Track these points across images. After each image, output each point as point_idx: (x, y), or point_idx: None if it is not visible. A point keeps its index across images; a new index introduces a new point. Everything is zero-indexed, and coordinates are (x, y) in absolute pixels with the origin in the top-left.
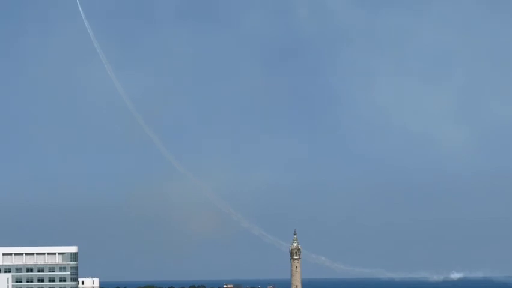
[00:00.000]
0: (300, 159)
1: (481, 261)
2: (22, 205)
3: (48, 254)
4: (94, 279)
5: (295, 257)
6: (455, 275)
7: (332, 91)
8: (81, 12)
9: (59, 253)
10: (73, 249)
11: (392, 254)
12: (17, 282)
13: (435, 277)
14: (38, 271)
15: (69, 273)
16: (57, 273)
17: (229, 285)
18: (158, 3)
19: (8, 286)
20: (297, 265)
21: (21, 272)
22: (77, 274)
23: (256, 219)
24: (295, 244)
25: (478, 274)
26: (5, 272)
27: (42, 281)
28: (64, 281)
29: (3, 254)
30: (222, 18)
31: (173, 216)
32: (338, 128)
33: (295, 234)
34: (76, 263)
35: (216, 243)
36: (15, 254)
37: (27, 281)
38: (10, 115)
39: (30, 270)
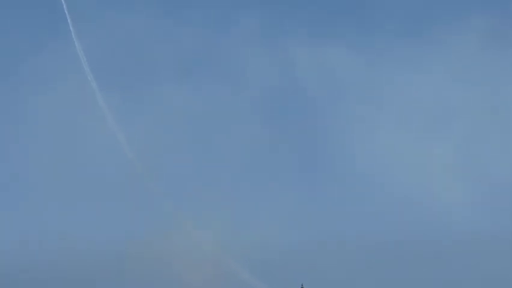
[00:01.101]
0: (301, 212)
1: None
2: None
3: None
4: None
5: None
6: None
7: (331, 144)
8: (84, 64)
9: None
10: None
11: None
12: None
13: None
14: None
15: None
16: None
17: None
18: (160, 57)
19: None
20: None
21: None
22: None
23: (259, 273)
24: None
25: None
26: None
27: None
28: None
29: None
30: (222, 71)
31: (173, 268)
32: (337, 182)
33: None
34: None
35: None
36: None
37: None
38: (9, 164)
39: None
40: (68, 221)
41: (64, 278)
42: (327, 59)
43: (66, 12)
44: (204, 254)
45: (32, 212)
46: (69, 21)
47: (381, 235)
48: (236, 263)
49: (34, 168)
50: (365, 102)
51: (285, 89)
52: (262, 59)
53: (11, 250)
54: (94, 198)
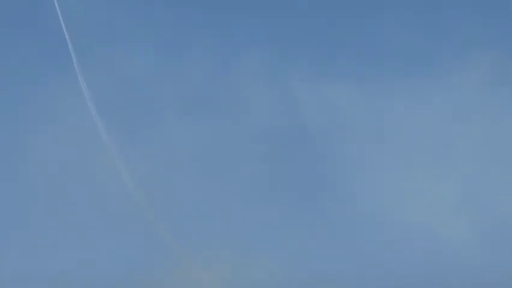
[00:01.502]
0: (302, 250)
1: None
2: None
3: None
4: None
5: None
6: None
7: (333, 181)
8: (88, 101)
9: None
10: None
11: None
12: None
13: None
14: None
15: None
16: None
17: None
18: (164, 94)
19: None
20: None
21: None
22: None
23: None
24: None
25: None
26: None
27: None
28: None
29: None
30: (225, 108)
31: None
32: (340, 220)
33: None
34: None
35: None
36: None
37: None
38: (8, 203)
39: None
40: (67, 259)
41: None
42: (330, 96)
43: (70, 48)
44: None
45: (30, 250)
46: (73, 58)
47: (385, 274)
48: None
49: (35, 205)
50: (368, 139)
51: (288, 126)
52: (266, 96)
53: None
54: (95, 235)
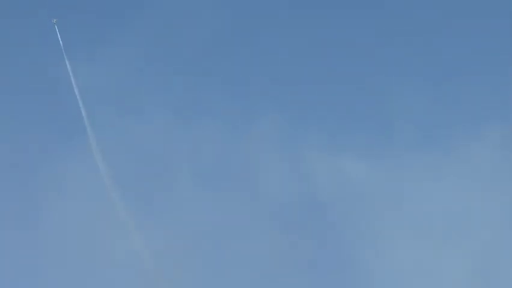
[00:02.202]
0: None
1: None
2: None
3: None
4: None
5: None
6: None
7: (348, 257)
8: (102, 172)
9: None
10: None
11: None
12: None
13: None
14: None
15: None
16: None
17: None
18: (178, 164)
19: None
20: None
21: None
22: None
23: None
24: None
25: None
26: None
27: None
28: None
29: None
30: (239, 179)
31: None
32: None
33: None
34: None
35: None
36: None
37: None
38: (20, 274)
39: None
40: None
41: None
42: (343, 167)
43: (84, 119)
44: None
45: None
46: (87, 128)
47: None
48: None
49: (50, 274)
50: (381, 212)
51: (302, 199)
52: (278, 166)
53: None
54: None
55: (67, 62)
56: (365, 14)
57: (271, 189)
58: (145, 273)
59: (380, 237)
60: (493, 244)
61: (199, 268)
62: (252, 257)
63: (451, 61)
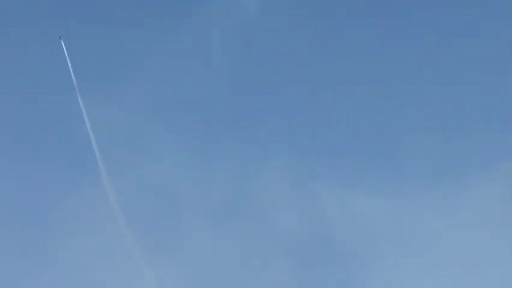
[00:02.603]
0: None
1: None
2: None
3: None
4: None
5: None
6: None
7: None
8: (115, 210)
9: None
10: None
11: None
12: None
13: None
14: None
15: None
16: None
17: None
18: (190, 203)
19: None
20: None
21: None
22: None
23: None
24: None
25: None
26: None
27: None
28: None
29: None
30: (252, 216)
31: None
32: None
33: None
34: None
35: None
36: None
37: None
38: None
39: None
40: None
41: None
42: (356, 205)
43: (97, 157)
44: None
45: None
46: (99, 165)
47: None
48: None
49: None
50: (393, 250)
51: (314, 235)
52: (292, 205)
53: None
54: None
55: (80, 99)
56: (378, 51)
57: (282, 226)
58: None
59: (391, 274)
60: (505, 282)
61: None
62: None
63: (463, 101)
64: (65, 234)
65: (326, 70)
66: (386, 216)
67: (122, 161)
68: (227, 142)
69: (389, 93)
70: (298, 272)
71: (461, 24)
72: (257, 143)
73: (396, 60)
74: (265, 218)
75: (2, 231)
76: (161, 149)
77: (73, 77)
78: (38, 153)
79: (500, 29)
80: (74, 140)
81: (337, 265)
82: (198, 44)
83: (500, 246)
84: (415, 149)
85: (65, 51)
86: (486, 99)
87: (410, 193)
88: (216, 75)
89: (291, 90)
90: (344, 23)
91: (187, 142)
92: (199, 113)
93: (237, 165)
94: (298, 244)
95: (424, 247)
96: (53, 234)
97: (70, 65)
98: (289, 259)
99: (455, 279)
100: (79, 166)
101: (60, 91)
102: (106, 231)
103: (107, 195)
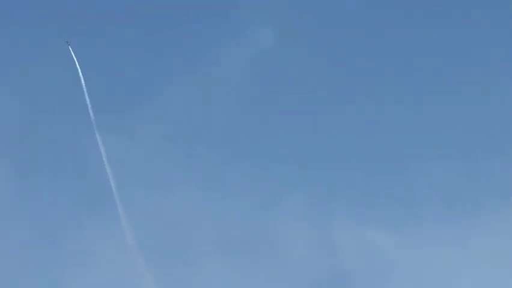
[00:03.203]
0: None
1: None
2: None
3: None
4: None
5: None
6: None
7: None
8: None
9: None
10: None
11: None
12: None
13: None
14: None
15: None
16: None
17: None
18: (205, 238)
19: None
20: None
21: None
22: None
23: None
24: None
25: None
26: None
27: None
28: None
29: None
30: (267, 252)
31: None
32: None
33: None
34: None
35: None
36: None
37: None
38: None
39: None
40: None
41: None
42: (369, 240)
43: (113, 191)
44: None
45: None
46: (116, 200)
47: None
48: None
49: None
50: (409, 284)
51: (328, 270)
52: (305, 239)
53: None
54: None
55: (96, 132)
56: (390, 87)
57: (297, 260)
58: None
59: None
60: None
61: None
62: None
63: (478, 135)
64: (81, 268)
65: (342, 105)
66: (401, 251)
67: (138, 195)
68: (242, 174)
69: (404, 127)
70: None
71: (484, 57)
72: (272, 175)
73: (412, 92)
74: (279, 252)
75: (17, 266)
76: (177, 181)
77: (91, 112)
78: (55, 187)
79: None
80: (90, 173)
81: None
82: (215, 76)
83: None
84: (429, 184)
85: (83, 82)
86: (505, 131)
87: (423, 227)
88: (233, 107)
89: (306, 124)
90: (359, 56)
91: (202, 174)
92: (215, 144)
93: (252, 198)
94: (313, 278)
95: (439, 282)
96: (68, 268)
97: (88, 100)
98: None
99: None
100: (95, 200)
101: (77, 124)
102: (121, 266)
103: (122, 228)
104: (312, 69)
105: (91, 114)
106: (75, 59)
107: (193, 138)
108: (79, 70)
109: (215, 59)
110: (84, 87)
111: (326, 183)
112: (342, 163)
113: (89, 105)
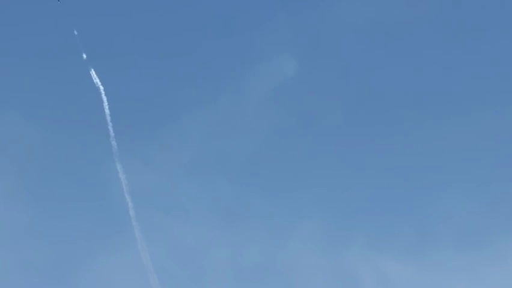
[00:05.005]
0: None
1: None
2: None
3: None
4: None
5: None
6: None
7: None
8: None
9: None
10: None
11: None
12: None
13: None
14: None
15: None
16: None
17: None
18: (220, 264)
19: None
20: None
21: None
22: None
23: None
24: None
25: None
26: None
27: None
28: None
29: None
30: (281, 280)
31: None
32: None
33: None
34: None
35: None
36: None
37: None
38: None
39: None
40: None
41: None
42: (385, 269)
43: (131, 217)
44: None
45: None
46: (134, 226)
47: None
48: None
49: None
50: None
51: None
52: (322, 267)
53: None
54: None
55: (117, 161)
56: (409, 118)
57: None
58: None
59: None
60: None
61: None
62: None
63: (493, 166)
64: None
65: (362, 133)
66: (416, 281)
67: (156, 222)
68: (260, 206)
69: (420, 159)
70: None
71: (504, 86)
72: (289, 207)
73: (431, 120)
74: (295, 284)
75: None
76: (195, 210)
77: (113, 141)
78: (72, 211)
79: None
80: (108, 197)
81: None
82: (236, 105)
83: None
84: (444, 214)
85: (107, 111)
86: None
87: (438, 257)
88: (253, 139)
89: (324, 157)
90: (382, 84)
91: (220, 205)
92: (234, 175)
93: (269, 228)
94: None
95: None
96: None
97: (111, 129)
98: None
99: None
100: (112, 225)
101: (98, 150)
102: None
103: (140, 255)
104: (334, 98)
105: (113, 142)
106: (100, 86)
107: (212, 168)
108: (104, 98)
109: (237, 88)
110: (108, 115)
111: (341, 213)
112: (358, 193)
113: (112, 134)
